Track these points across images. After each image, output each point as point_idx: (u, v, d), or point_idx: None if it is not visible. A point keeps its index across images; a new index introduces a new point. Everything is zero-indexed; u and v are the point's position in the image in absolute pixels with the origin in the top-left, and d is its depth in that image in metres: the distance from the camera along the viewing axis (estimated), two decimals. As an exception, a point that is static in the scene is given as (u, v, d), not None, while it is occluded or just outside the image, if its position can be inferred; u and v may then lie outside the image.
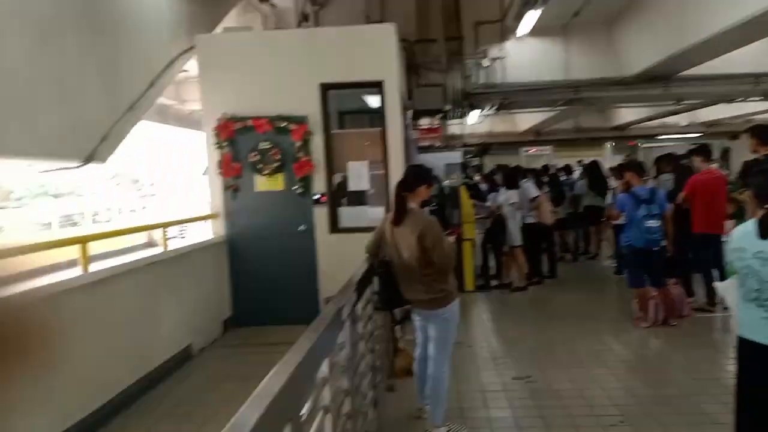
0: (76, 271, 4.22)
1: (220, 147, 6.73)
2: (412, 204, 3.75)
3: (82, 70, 5.20)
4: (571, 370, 4.97)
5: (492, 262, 8.71)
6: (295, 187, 6.75)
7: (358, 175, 6.90)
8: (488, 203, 8.66)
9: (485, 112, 14.52)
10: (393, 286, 3.83)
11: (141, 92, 6.11)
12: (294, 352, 1.81)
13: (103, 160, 5.38)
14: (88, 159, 5.11)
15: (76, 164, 5.08)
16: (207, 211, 7.05)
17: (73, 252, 4.22)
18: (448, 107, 11.67)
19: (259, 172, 6.73)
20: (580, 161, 15.48)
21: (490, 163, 19.71)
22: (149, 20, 6.59)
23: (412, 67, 10.36)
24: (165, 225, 6.29)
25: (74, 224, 16.29)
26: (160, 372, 5.10)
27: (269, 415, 1.35)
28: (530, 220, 8.35)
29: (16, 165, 4.88)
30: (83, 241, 4.24)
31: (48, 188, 29.61)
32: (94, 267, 4.34)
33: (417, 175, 3.87)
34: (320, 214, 6.82)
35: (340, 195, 6.93)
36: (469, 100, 12.17)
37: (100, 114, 5.45)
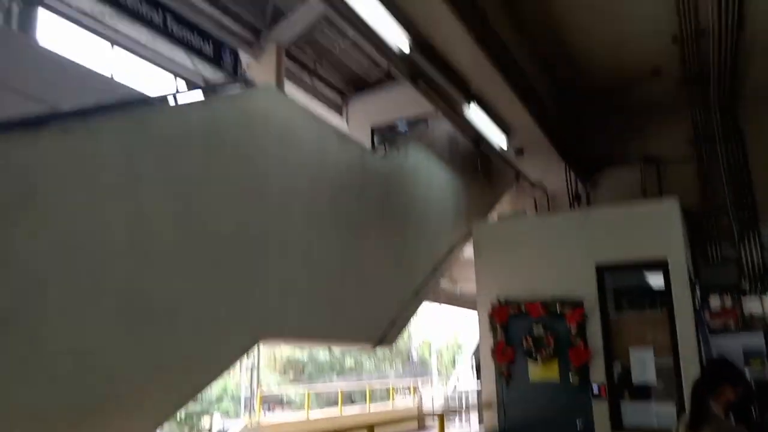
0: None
1: (494, 331, 6.79)
2: (714, 407, 3.21)
3: (378, 260, 5.94)
4: None
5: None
6: (572, 377, 6.32)
7: (642, 364, 6.23)
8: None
9: (794, 288, 12.29)
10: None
11: (425, 278, 6.69)
12: None
13: (390, 342, 5.87)
14: (379, 342, 5.62)
15: (368, 347, 5.62)
16: (475, 396, 7.00)
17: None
18: (745, 284, 10.20)
19: (533, 358, 6.53)
20: None
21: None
22: (434, 213, 7.40)
23: (698, 241, 9.50)
24: (442, 414, 6.35)
25: (353, 401, 17.52)
26: None
27: None
28: None
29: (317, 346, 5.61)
30: (371, 425, 4.51)
31: (333, 365, 32.84)
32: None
33: (718, 373, 3.31)
34: (600, 409, 6.17)
35: (621, 386, 6.29)
36: (771, 274, 10.48)
37: (391, 300, 6.05)
